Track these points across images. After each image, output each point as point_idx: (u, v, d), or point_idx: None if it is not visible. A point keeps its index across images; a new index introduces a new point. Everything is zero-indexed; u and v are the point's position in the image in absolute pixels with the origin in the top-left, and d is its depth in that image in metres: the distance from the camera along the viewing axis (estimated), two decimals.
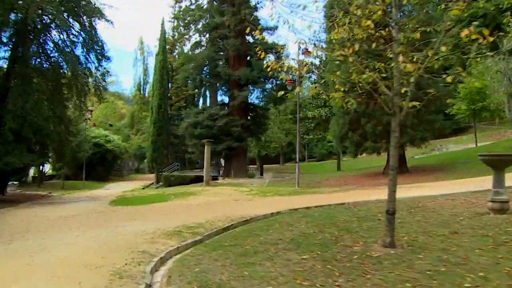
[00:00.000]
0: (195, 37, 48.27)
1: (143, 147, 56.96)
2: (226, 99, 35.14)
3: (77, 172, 38.31)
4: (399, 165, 21.01)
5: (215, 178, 31.10)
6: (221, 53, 33.38)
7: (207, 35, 46.88)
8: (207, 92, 47.23)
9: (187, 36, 47.69)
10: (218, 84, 33.73)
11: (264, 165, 49.95)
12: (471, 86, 23.24)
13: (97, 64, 20.12)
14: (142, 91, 70.26)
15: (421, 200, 10.25)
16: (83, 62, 19.82)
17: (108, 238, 8.01)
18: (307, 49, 25.86)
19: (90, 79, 20.51)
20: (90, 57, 20.02)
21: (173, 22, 49.04)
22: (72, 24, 19.16)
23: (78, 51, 19.88)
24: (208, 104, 44.63)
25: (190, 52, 41.09)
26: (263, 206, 12.39)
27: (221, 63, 32.45)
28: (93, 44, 19.59)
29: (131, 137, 63.24)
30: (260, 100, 33.88)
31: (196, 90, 49.27)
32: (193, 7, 44.31)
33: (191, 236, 8.34)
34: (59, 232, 8.84)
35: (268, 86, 33.28)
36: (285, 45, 34.48)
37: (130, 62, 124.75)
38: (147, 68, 71.37)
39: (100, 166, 42.58)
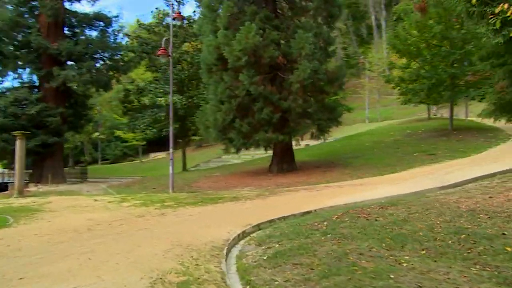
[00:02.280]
0: None
1: None
2: (35, 80, 26.58)
3: None
4: (288, 161, 19.43)
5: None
6: (31, 21, 24.88)
7: None
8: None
9: None
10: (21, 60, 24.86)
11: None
12: None
13: None
14: None
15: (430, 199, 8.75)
16: None
17: None
18: (179, 12, 21.68)
19: None
20: None
21: None
22: None
23: None
24: None
25: None
26: (198, 224, 8.32)
27: (31, 31, 23.94)
28: None
29: None
30: (83, 83, 26.41)
31: None
32: None
33: None
34: None
35: (97, 64, 26.59)
36: (118, 16, 28.39)
37: None
38: None
39: None
